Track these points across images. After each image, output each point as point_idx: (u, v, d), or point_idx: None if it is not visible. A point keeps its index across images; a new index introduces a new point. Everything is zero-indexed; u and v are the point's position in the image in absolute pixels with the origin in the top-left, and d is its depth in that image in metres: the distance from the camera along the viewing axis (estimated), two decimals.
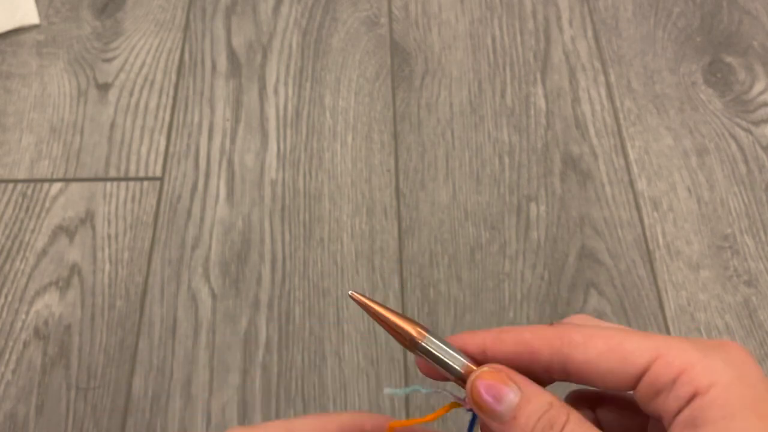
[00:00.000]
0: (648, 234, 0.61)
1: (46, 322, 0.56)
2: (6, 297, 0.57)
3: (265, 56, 0.71)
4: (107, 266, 0.59)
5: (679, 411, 0.19)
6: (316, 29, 0.73)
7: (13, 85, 0.69)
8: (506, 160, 0.65)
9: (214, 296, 0.58)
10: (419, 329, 0.23)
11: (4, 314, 0.57)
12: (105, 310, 0.57)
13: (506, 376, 0.21)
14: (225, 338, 0.56)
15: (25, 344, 0.55)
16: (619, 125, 0.67)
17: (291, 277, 0.59)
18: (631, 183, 0.64)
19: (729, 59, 0.71)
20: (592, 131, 0.66)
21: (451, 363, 0.23)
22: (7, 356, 0.55)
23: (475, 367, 0.22)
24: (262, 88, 0.69)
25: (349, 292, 0.24)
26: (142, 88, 0.69)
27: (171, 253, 0.60)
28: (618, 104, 0.68)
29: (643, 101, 0.68)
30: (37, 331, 0.56)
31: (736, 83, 0.69)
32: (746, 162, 0.65)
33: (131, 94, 0.69)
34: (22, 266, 0.59)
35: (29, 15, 0.73)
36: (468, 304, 0.58)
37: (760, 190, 0.63)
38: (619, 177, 0.64)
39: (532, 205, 0.62)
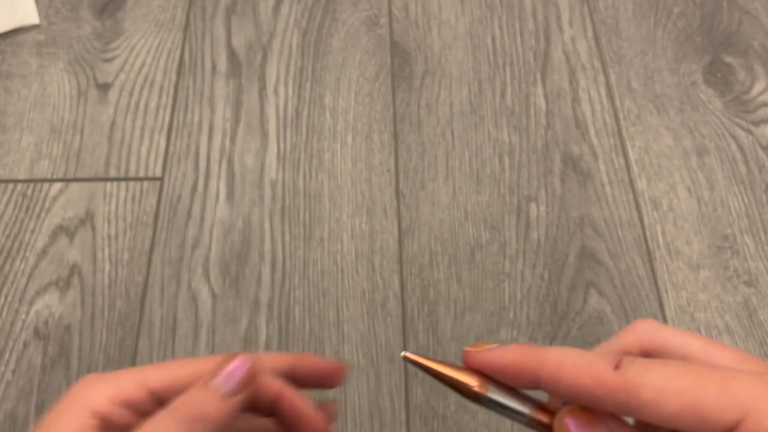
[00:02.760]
0: (648, 234, 0.61)
1: (46, 322, 0.56)
2: (6, 297, 0.57)
3: (265, 56, 0.71)
4: (107, 266, 0.59)
5: None
6: (316, 29, 0.73)
7: (13, 85, 0.69)
8: (506, 160, 0.65)
9: (214, 296, 0.58)
10: (479, 380, 0.22)
11: (4, 314, 0.57)
12: (105, 310, 0.57)
13: (597, 416, 0.20)
14: (225, 338, 0.56)
15: (25, 344, 0.55)
16: (619, 125, 0.67)
17: (291, 277, 0.59)
18: (631, 183, 0.64)
19: (729, 59, 0.71)
20: (592, 131, 0.66)
21: (519, 408, 0.22)
22: (7, 356, 0.55)
23: (541, 409, 0.22)
24: (262, 88, 0.69)
25: (402, 354, 0.23)
26: (142, 88, 0.69)
27: (171, 253, 0.60)
28: (618, 104, 0.68)
29: (643, 101, 0.68)
30: (37, 331, 0.56)
31: (736, 83, 0.69)
32: (746, 162, 0.65)
33: (131, 94, 0.69)
34: (22, 266, 0.59)
35: (29, 15, 0.73)
36: (468, 304, 0.58)
37: (760, 190, 0.63)
38: (619, 177, 0.64)
39: (532, 205, 0.62)
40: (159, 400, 0.25)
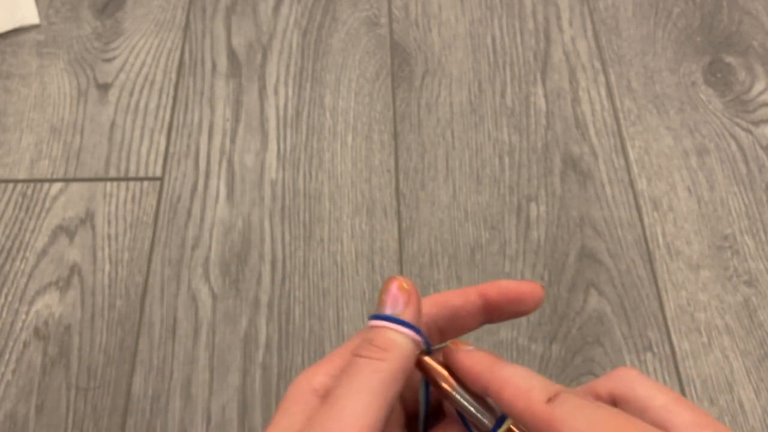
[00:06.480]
0: (648, 234, 0.61)
1: (46, 322, 0.56)
2: (6, 297, 0.57)
3: (265, 56, 0.71)
4: (107, 266, 0.59)
5: None
6: (316, 29, 0.73)
7: (13, 85, 0.69)
8: (506, 160, 0.65)
9: (214, 296, 0.58)
10: (452, 381, 0.24)
11: (4, 314, 0.57)
12: (105, 310, 0.57)
13: None
14: (225, 338, 0.56)
15: (25, 344, 0.55)
16: (619, 125, 0.67)
17: (291, 277, 0.59)
18: (631, 183, 0.64)
19: (729, 59, 0.71)
20: (592, 131, 0.66)
21: (479, 414, 0.24)
22: (7, 356, 0.55)
23: None
24: (262, 88, 0.69)
25: (425, 358, 0.25)
26: (142, 88, 0.69)
27: (171, 253, 0.60)
28: (618, 104, 0.68)
29: (643, 101, 0.68)
30: (37, 331, 0.56)
31: (736, 83, 0.69)
32: (746, 162, 0.65)
33: (131, 94, 0.69)
34: (22, 266, 0.59)
35: (29, 15, 0.73)
36: None
37: (760, 190, 0.63)
38: (619, 177, 0.64)
39: (532, 205, 0.62)
40: None
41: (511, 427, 0.23)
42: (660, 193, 0.63)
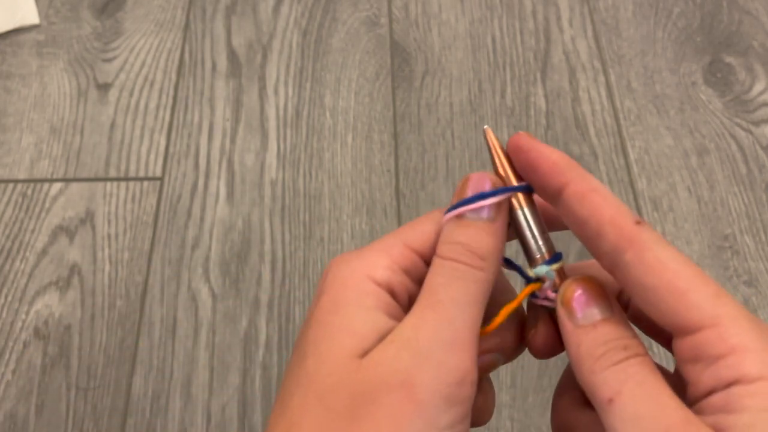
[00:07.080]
0: None
1: (46, 322, 0.56)
2: (6, 297, 0.57)
3: (265, 56, 0.71)
4: (107, 266, 0.59)
5: (712, 391, 0.17)
6: (316, 29, 0.73)
7: (13, 85, 0.69)
8: None
9: (214, 296, 0.58)
10: (522, 195, 0.22)
11: (4, 314, 0.57)
12: (105, 310, 0.57)
13: (604, 293, 0.20)
14: (225, 338, 0.56)
15: (25, 344, 0.55)
16: (619, 125, 0.67)
17: (291, 277, 0.59)
18: (631, 183, 0.64)
19: (729, 59, 0.71)
20: (592, 131, 0.66)
21: (539, 243, 0.22)
22: (7, 356, 0.55)
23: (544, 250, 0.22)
24: (262, 88, 0.69)
25: (485, 127, 0.23)
26: (142, 88, 0.69)
27: (171, 253, 0.60)
28: (618, 104, 0.68)
29: (643, 101, 0.68)
30: (37, 331, 0.56)
31: (736, 83, 0.69)
32: (746, 162, 0.65)
33: (131, 94, 0.69)
34: (22, 266, 0.59)
35: (29, 15, 0.73)
36: None
37: (760, 190, 0.63)
38: (619, 177, 0.64)
39: None
40: (426, 261, 0.22)
41: (561, 271, 0.21)
42: (660, 193, 0.63)
